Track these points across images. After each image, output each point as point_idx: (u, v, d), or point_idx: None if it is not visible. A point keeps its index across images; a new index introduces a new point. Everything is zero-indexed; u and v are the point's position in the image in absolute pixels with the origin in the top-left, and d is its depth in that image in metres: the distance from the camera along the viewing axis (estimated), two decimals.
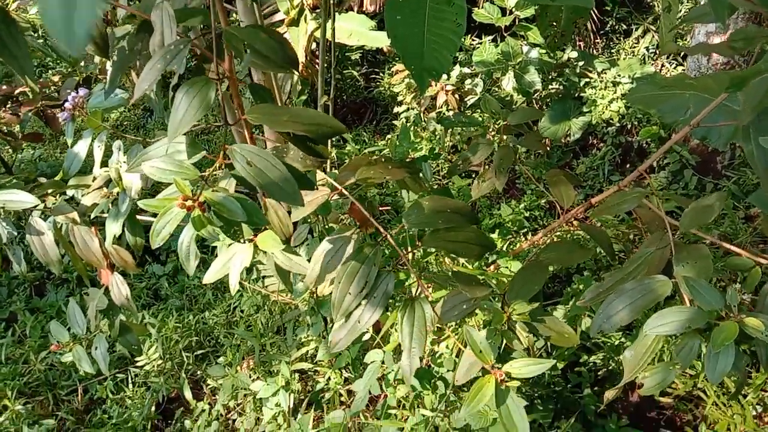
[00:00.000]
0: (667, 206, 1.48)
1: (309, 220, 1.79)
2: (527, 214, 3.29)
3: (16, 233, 1.60)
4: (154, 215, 1.07)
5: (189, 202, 0.93)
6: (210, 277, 1.38)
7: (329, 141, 2.65)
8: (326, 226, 1.98)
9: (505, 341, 1.53)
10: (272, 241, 1.29)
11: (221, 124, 1.07)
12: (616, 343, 2.36)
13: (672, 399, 2.29)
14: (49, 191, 1.66)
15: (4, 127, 3.10)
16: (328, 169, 2.85)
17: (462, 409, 1.16)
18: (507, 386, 1.05)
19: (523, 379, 1.07)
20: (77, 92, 1.77)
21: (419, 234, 1.48)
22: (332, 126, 1.14)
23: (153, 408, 2.63)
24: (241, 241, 1.34)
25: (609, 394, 1.12)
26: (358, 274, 1.16)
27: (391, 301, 2.46)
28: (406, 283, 1.89)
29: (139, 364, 2.73)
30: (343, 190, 1.34)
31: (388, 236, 1.23)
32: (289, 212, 1.31)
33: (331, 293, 1.19)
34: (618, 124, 3.59)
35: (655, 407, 2.33)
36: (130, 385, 2.72)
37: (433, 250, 2.16)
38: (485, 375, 1.06)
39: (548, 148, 3.76)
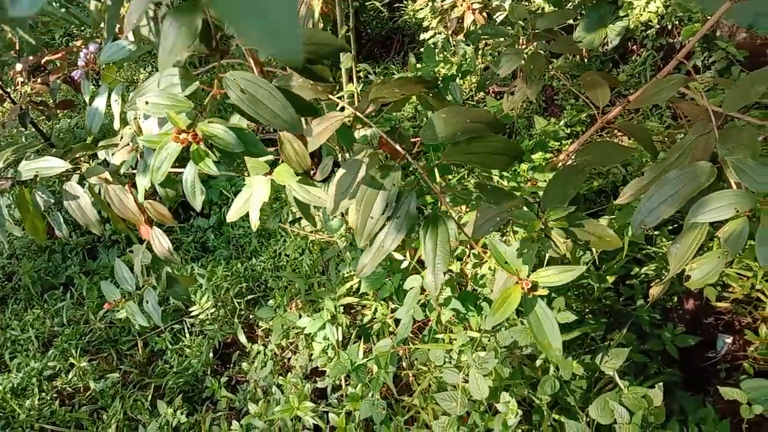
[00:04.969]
0: (714, 101, 1.38)
1: (334, 153, 1.75)
2: (568, 131, 3.17)
3: (53, 200, 1.63)
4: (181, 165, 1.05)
5: (183, 136, 0.91)
6: (232, 215, 1.37)
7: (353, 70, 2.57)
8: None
9: (547, 255, 1.48)
10: (287, 174, 1.26)
11: (213, 54, 1.03)
12: None
13: (729, 303, 2.21)
14: (83, 155, 1.67)
15: (37, 98, 3.14)
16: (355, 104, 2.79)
17: (488, 319, 1.13)
18: (534, 295, 1.01)
19: (552, 287, 1.03)
20: (89, 49, 1.76)
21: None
22: (332, 43, 1.08)
23: (211, 354, 2.71)
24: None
25: (654, 291, 1.07)
26: (378, 197, 1.11)
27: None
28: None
29: (193, 314, 2.81)
30: (358, 114, 1.28)
31: (407, 156, 1.18)
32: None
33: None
34: (657, 26, 3.37)
35: (712, 313, 2.26)
36: (187, 335, 2.80)
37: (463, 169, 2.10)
38: (513, 285, 1.02)
39: (586, 60, 3.58)
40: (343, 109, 1.33)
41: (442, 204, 1.13)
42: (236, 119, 1.25)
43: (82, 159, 1.69)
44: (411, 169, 1.20)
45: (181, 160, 1.12)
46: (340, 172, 1.18)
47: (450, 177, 2.14)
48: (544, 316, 0.98)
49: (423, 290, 1.75)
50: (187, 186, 1.22)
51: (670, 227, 2.32)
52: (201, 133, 0.93)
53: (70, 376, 2.67)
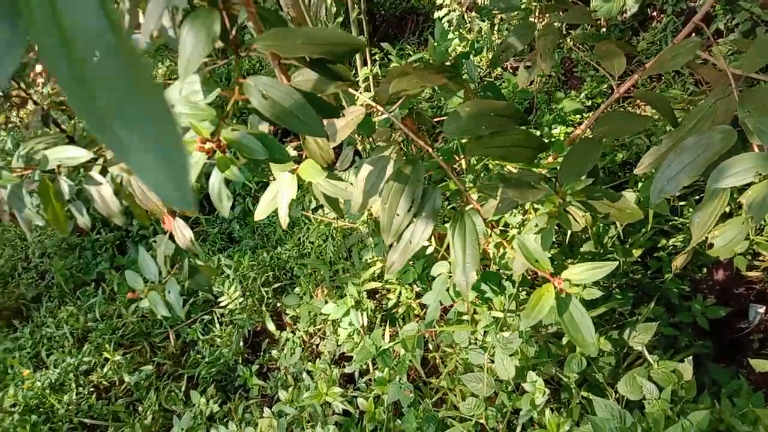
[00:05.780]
0: (735, 64, 1.34)
1: (353, 142, 1.75)
2: (589, 103, 3.11)
3: (75, 188, 1.64)
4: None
5: (208, 145, 0.90)
6: (260, 213, 1.37)
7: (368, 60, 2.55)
8: (374, 145, 1.92)
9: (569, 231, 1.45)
10: (313, 170, 1.26)
11: (234, 56, 1.02)
12: None
13: (761, 272, 2.16)
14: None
15: (58, 98, 3.19)
16: (372, 87, 2.77)
17: (522, 322, 1.12)
18: (568, 293, 0.99)
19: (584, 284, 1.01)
20: None
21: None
22: (349, 43, 1.07)
23: (241, 343, 2.75)
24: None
25: (677, 262, 1.05)
26: (403, 194, 1.11)
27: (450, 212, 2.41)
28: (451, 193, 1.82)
29: (222, 304, 2.84)
30: (379, 107, 1.27)
31: (429, 150, 1.16)
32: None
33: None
34: None
35: (743, 283, 2.21)
36: (218, 325, 2.84)
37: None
38: (544, 284, 1.01)
39: (605, 29, 3.50)
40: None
41: (468, 201, 1.12)
42: (255, 122, 1.24)
43: (106, 150, 1.70)
44: (434, 149, 1.18)
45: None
46: (366, 168, 1.18)
47: (473, 160, 2.12)
48: (578, 313, 0.97)
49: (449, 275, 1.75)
50: (213, 193, 1.22)
51: (697, 197, 2.26)
52: (225, 141, 0.93)
53: (105, 370, 2.73)
